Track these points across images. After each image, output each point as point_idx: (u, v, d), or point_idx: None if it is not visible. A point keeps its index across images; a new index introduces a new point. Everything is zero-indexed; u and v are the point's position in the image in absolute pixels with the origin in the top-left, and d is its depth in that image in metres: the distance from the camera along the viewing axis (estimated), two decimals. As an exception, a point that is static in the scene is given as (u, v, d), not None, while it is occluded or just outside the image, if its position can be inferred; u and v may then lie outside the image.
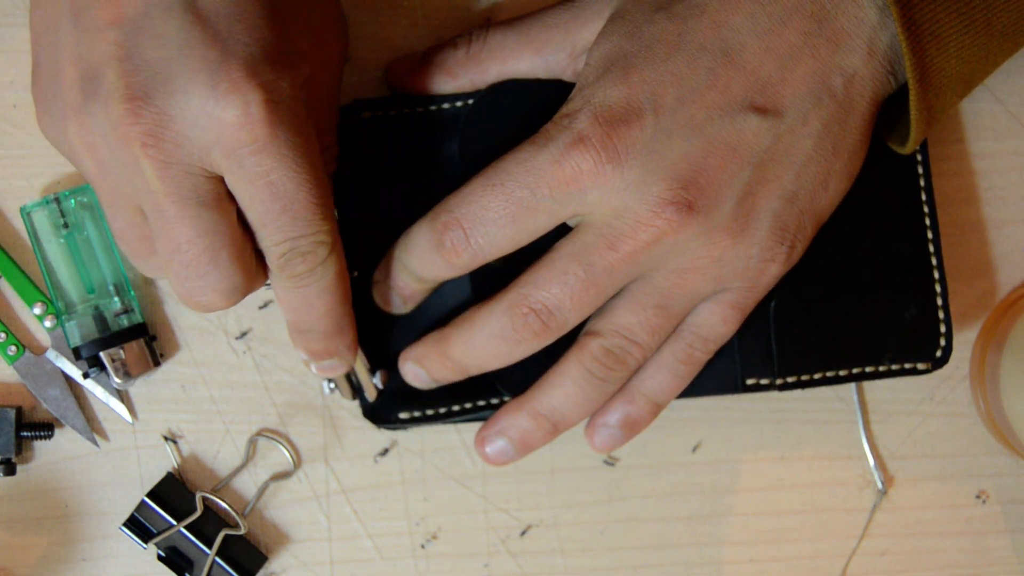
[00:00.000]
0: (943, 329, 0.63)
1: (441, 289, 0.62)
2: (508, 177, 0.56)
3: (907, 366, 0.63)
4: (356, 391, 0.63)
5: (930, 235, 0.63)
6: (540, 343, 0.58)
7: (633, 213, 0.56)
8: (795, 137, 0.57)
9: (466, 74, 0.62)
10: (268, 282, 0.55)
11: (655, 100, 0.56)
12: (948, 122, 0.66)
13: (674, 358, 0.60)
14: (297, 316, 0.56)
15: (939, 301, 0.63)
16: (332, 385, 0.63)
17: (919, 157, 0.63)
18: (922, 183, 0.63)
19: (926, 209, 0.63)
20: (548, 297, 0.57)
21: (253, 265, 0.53)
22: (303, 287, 0.54)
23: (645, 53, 0.56)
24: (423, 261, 0.58)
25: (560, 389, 0.60)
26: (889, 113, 0.60)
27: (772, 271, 0.58)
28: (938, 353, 0.63)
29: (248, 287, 0.54)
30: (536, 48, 0.60)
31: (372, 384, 0.62)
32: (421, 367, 0.61)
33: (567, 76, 0.60)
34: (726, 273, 0.58)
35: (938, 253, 0.63)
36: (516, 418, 0.60)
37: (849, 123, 0.57)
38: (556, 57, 0.60)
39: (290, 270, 0.53)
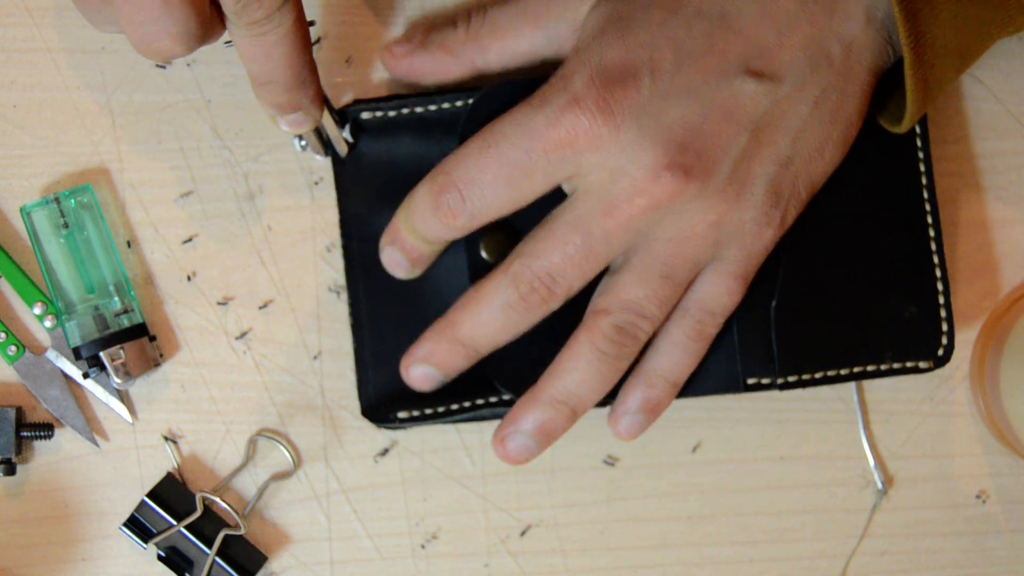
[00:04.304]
0: (945, 327, 0.63)
1: (439, 287, 0.62)
2: (503, 139, 0.56)
3: (909, 365, 0.62)
4: (327, 146, 0.63)
5: (932, 233, 0.63)
6: (548, 309, 0.58)
7: (629, 178, 0.56)
8: (792, 103, 0.56)
9: (466, 52, 0.61)
10: (228, 39, 0.54)
11: (652, 63, 0.56)
12: (948, 121, 0.66)
13: (685, 336, 0.60)
14: (258, 67, 0.55)
15: (941, 299, 0.63)
16: (303, 143, 0.63)
17: (921, 155, 0.63)
18: (924, 181, 0.63)
19: (928, 207, 0.63)
20: (550, 266, 0.57)
21: (207, 9, 0.52)
22: (261, 34, 0.53)
23: (642, 16, 0.56)
24: (424, 223, 0.58)
25: (575, 373, 0.59)
26: (885, 91, 0.60)
27: (767, 236, 0.58)
28: (940, 352, 0.63)
29: (203, 33, 0.52)
30: (536, 21, 0.60)
31: (342, 138, 0.62)
32: (430, 364, 0.60)
33: (569, 48, 0.60)
34: (723, 238, 0.57)
35: (940, 251, 0.63)
36: (534, 410, 0.60)
37: (848, 92, 0.57)
38: (557, 28, 0.60)
39: (247, 16, 0.52)
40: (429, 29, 0.63)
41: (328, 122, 0.61)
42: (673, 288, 0.58)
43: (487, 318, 0.59)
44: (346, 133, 0.62)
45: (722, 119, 0.56)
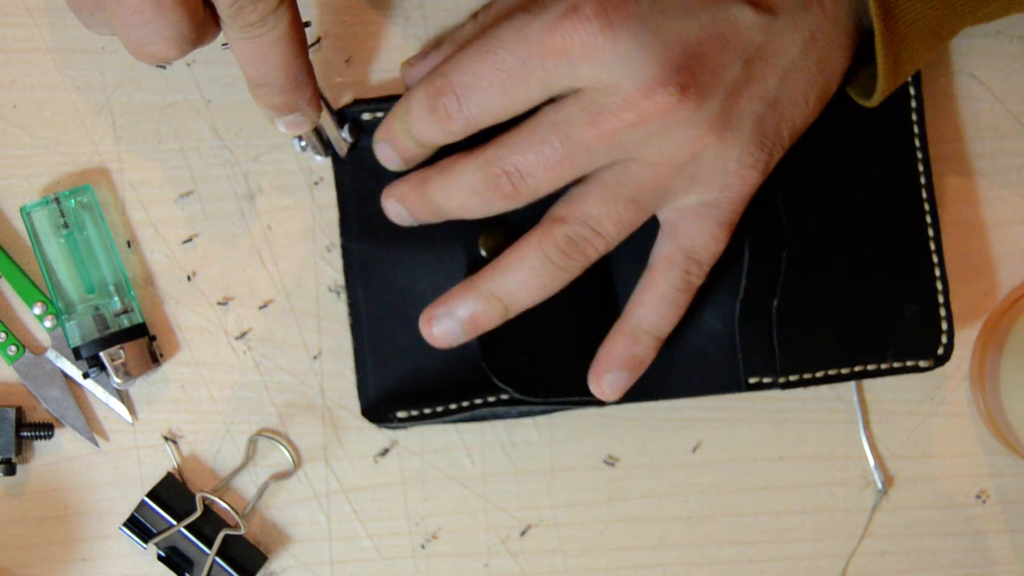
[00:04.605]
0: (945, 326, 0.63)
1: (438, 288, 0.62)
2: (501, 45, 0.56)
3: (909, 364, 0.63)
4: (327, 146, 0.63)
5: (931, 232, 0.63)
6: (510, 205, 0.57)
7: (622, 91, 0.55)
8: (784, 40, 0.56)
9: None
10: (224, 43, 0.54)
11: None
12: (949, 121, 0.66)
13: (673, 288, 0.59)
14: (253, 69, 0.55)
15: (940, 299, 0.63)
16: (303, 143, 0.63)
17: (920, 155, 0.63)
18: (923, 181, 0.63)
19: (927, 207, 0.63)
20: (522, 162, 0.56)
21: (200, 13, 0.52)
22: (256, 37, 0.53)
23: None
24: (420, 125, 0.58)
25: (517, 272, 0.58)
26: (859, 63, 0.60)
27: (751, 179, 0.57)
28: (940, 350, 0.63)
29: (196, 36, 0.53)
30: None
31: (341, 139, 0.62)
32: (403, 205, 0.60)
33: None
34: (703, 174, 0.57)
35: (939, 250, 0.63)
36: (468, 299, 0.59)
37: (834, 40, 0.57)
38: None
39: (241, 19, 0.52)
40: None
41: (327, 122, 0.61)
42: (637, 213, 0.57)
43: (452, 191, 0.58)
44: (345, 133, 0.62)
45: (718, 44, 0.55)
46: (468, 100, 0.56)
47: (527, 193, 0.57)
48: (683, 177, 0.57)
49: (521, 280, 0.58)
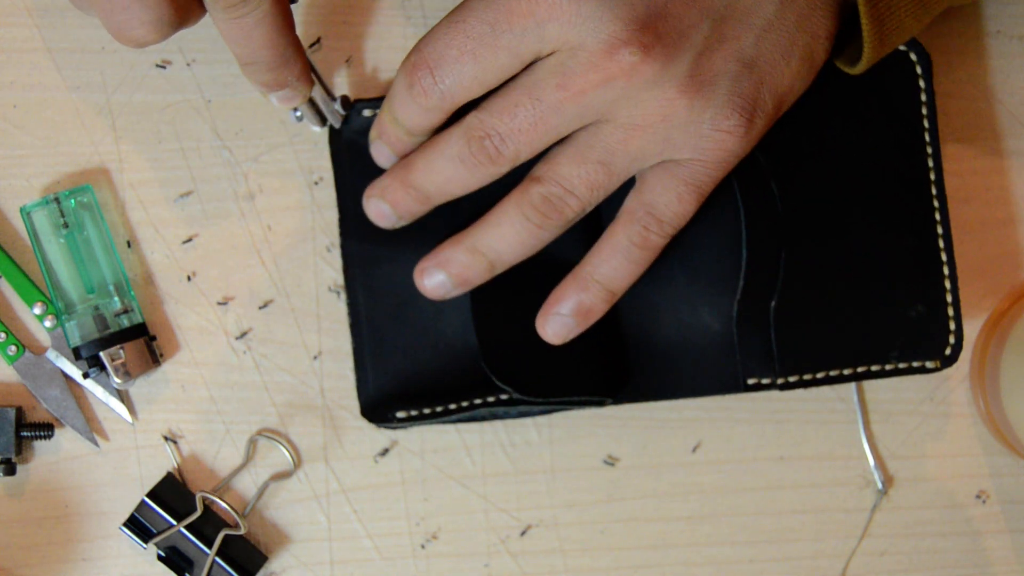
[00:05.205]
0: (953, 326, 0.62)
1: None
2: (470, 13, 0.56)
3: (915, 365, 0.62)
4: (323, 119, 0.63)
5: (940, 230, 0.62)
6: (494, 169, 0.58)
7: (587, 52, 0.55)
8: None
9: None
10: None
11: None
12: (949, 121, 0.66)
13: (629, 241, 0.59)
14: (240, 49, 0.55)
15: (949, 297, 0.62)
16: (299, 114, 0.63)
17: (930, 150, 0.62)
18: (932, 176, 0.62)
19: (936, 204, 0.62)
20: (500, 125, 0.57)
21: None
22: (240, 17, 0.54)
23: None
24: (402, 106, 0.58)
25: (498, 228, 0.59)
26: (846, 33, 0.59)
27: (728, 145, 0.57)
28: (948, 351, 0.62)
29: (178, 20, 0.53)
30: None
31: (335, 111, 0.62)
32: (385, 200, 0.60)
33: None
34: (676, 136, 0.57)
35: (949, 249, 0.62)
36: (455, 252, 0.60)
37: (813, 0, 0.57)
38: None
39: (224, 0, 0.53)
40: None
41: (320, 95, 0.61)
42: (607, 176, 0.58)
43: (438, 166, 0.58)
44: (338, 106, 0.62)
45: (686, 3, 0.55)
46: (440, 72, 0.56)
47: (509, 156, 0.57)
48: (655, 139, 0.57)
49: (503, 236, 0.59)
